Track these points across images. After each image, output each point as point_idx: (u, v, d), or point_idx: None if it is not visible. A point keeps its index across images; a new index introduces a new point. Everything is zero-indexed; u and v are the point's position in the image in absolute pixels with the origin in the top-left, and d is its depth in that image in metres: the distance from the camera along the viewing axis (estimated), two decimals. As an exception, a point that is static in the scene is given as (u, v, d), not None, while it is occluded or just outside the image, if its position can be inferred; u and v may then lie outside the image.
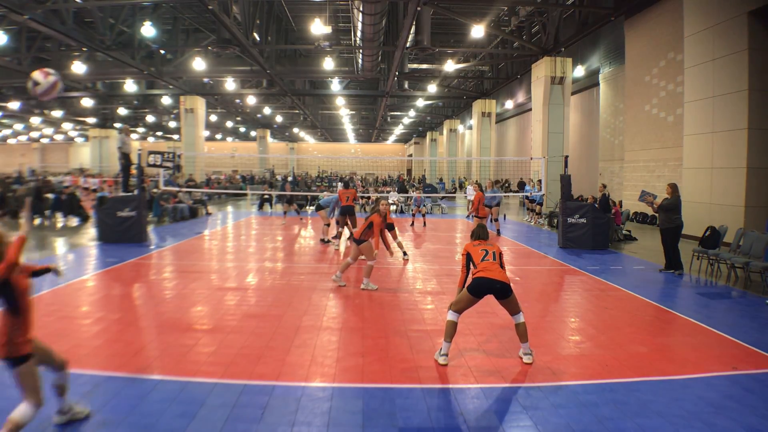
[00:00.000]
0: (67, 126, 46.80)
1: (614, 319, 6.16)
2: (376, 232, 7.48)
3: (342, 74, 24.84)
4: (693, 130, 12.68)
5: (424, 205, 16.61)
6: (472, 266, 4.79)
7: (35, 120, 42.01)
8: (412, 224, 15.72)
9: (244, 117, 41.94)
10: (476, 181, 18.52)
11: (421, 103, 35.04)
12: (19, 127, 49.76)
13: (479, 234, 5.04)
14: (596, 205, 11.97)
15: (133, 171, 12.96)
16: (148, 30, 19.44)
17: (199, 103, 28.41)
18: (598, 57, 20.96)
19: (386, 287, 7.67)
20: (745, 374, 4.46)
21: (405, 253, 9.87)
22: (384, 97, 29.32)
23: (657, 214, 9.06)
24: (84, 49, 19.73)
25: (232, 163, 47.16)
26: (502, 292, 4.58)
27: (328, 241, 11.83)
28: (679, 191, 8.85)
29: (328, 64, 22.32)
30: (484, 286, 4.55)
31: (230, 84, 27.05)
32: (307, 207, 20.53)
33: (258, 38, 20.31)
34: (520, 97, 30.01)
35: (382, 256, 10.56)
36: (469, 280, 4.72)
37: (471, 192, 15.51)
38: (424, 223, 15.96)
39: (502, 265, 4.74)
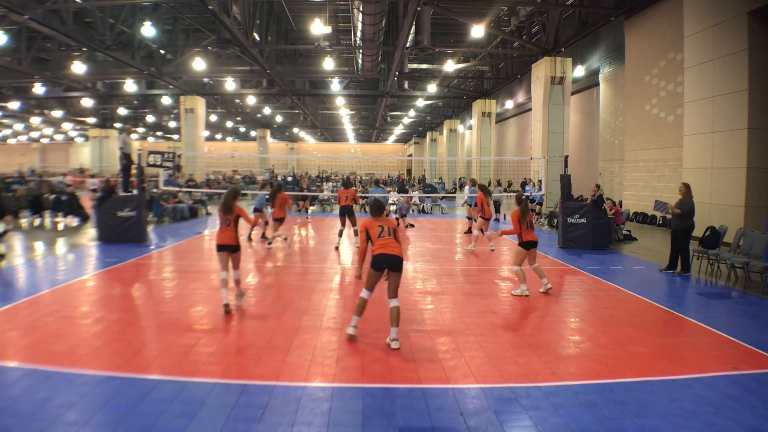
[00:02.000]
0: (67, 126, 46.82)
1: (614, 319, 6.16)
2: (523, 227, 7.17)
3: (342, 74, 24.85)
4: (693, 130, 12.68)
5: (406, 215, 15.60)
6: (370, 243, 5.25)
7: (35, 120, 42.01)
8: (411, 225, 15.70)
9: (244, 117, 41.95)
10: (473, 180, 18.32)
11: (421, 103, 35.04)
12: (19, 127, 49.75)
13: (375, 210, 5.41)
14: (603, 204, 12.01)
15: (134, 171, 12.95)
16: (148, 30, 19.42)
17: (199, 103, 28.42)
18: (598, 57, 20.95)
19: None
20: (745, 374, 4.46)
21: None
22: (384, 97, 29.34)
23: (671, 217, 8.98)
24: (84, 49, 19.76)
25: (232, 163, 47.17)
26: (397, 265, 5.13)
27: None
28: (691, 192, 8.82)
29: (328, 64, 22.32)
30: (382, 261, 5.11)
31: (230, 84, 27.06)
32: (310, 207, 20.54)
33: (258, 38, 20.30)
34: (520, 97, 30.00)
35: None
36: (369, 257, 5.18)
37: (467, 192, 15.26)
38: (407, 224, 15.20)
39: (397, 240, 5.24)
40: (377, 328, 5.61)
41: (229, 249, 6.26)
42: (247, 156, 49.57)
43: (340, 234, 11.10)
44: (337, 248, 10.88)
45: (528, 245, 7.18)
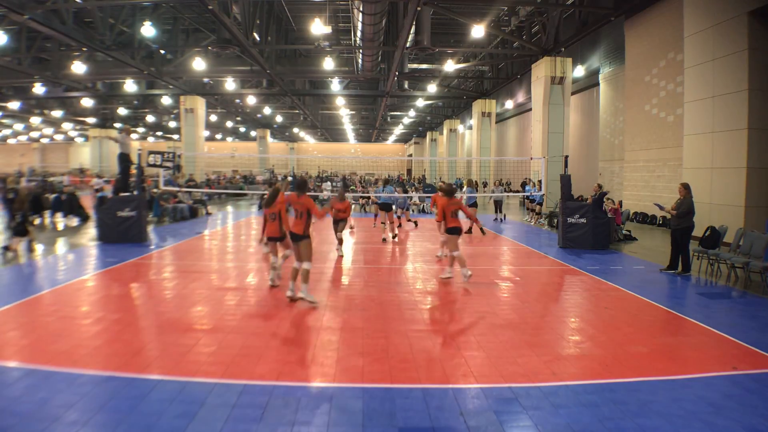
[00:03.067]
0: (67, 126, 46.81)
1: (614, 319, 6.16)
2: (448, 215, 7.81)
3: (342, 74, 24.85)
4: (693, 130, 12.68)
5: (406, 209, 15.54)
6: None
7: (35, 120, 42.01)
8: (415, 223, 15.72)
9: (244, 117, 41.95)
10: (470, 180, 18.17)
11: (421, 103, 35.03)
12: (19, 127, 49.75)
13: (298, 187, 6.65)
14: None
15: (133, 171, 12.94)
16: (148, 30, 19.42)
17: (199, 103, 28.42)
18: (598, 57, 20.96)
19: (386, 287, 7.66)
20: (745, 374, 4.46)
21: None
22: (384, 97, 29.33)
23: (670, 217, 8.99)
24: (84, 49, 19.74)
25: (233, 163, 47.16)
26: (296, 238, 6.56)
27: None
28: (691, 191, 8.82)
29: (328, 64, 22.32)
30: (291, 236, 6.67)
31: (230, 84, 27.05)
32: None
33: (258, 38, 20.31)
34: (520, 97, 30.01)
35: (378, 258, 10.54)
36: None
37: (466, 192, 15.09)
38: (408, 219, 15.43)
39: (306, 220, 6.52)
40: (378, 328, 5.61)
41: (276, 240, 7.38)
42: (247, 156, 49.55)
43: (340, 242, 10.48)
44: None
45: (451, 231, 7.75)
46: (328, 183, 26.47)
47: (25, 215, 10.01)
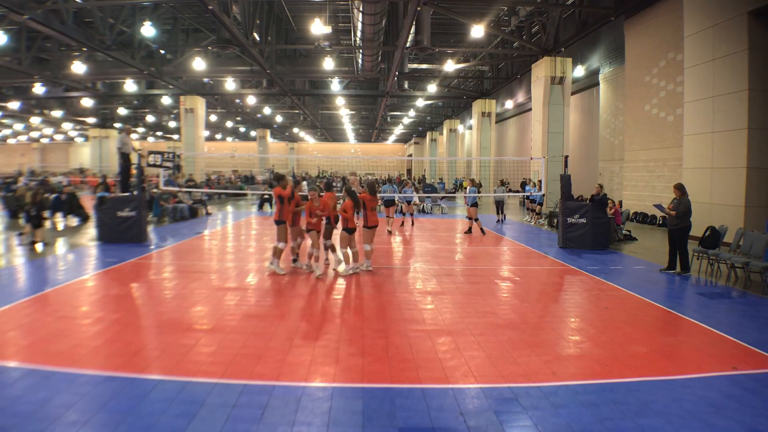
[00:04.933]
0: (67, 126, 46.80)
1: (614, 319, 6.16)
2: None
3: (342, 74, 24.84)
4: (693, 130, 12.68)
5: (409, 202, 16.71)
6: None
7: (35, 120, 42.00)
8: (402, 224, 15.78)
9: (244, 117, 41.93)
10: (472, 180, 18.31)
11: (421, 103, 35.02)
12: (19, 127, 49.73)
13: (276, 179, 8.50)
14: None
15: (133, 171, 12.94)
16: (148, 30, 19.43)
17: (199, 103, 28.41)
18: (598, 57, 20.95)
19: (386, 287, 7.67)
20: (745, 374, 4.46)
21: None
22: (384, 97, 29.33)
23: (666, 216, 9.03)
24: (84, 49, 19.75)
25: (233, 163, 47.16)
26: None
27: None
28: (686, 192, 8.83)
29: (328, 64, 22.32)
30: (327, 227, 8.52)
31: (230, 84, 27.04)
32: None
33: (258, 38, 20.30)
34: (520, 97, 30.00)
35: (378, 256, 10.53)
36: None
37: (468, 191, 15.10)
38: (412, 222, 16.23)
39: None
40: (378, 328, 5.61)
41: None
42: (247, 156, 49.54)
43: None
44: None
45: (350, 231, 8.31)
46: (304, 183, 26.00)
47: (39, 207, 11.10)
